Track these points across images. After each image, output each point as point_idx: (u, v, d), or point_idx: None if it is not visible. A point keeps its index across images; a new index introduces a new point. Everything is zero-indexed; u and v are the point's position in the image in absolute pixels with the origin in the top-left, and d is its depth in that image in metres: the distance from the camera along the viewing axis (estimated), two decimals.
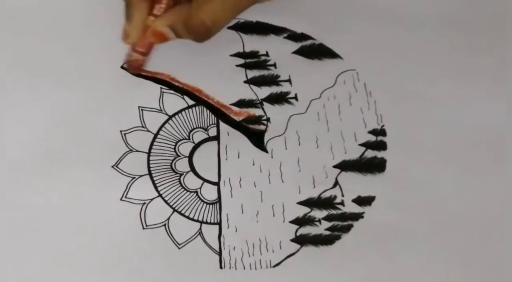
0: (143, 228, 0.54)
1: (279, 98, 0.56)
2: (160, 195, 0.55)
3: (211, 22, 0.49)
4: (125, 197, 0.54)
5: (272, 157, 0.55)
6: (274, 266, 0.53)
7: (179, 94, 0.57)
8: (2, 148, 0.55)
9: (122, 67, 0.57)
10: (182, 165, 0.55)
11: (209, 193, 0.55)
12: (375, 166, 0.55)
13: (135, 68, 0.54)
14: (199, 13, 0.49)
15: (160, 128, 0.56)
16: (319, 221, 0.54)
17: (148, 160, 0.55)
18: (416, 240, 0.54)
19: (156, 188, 0.55)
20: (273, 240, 0.54)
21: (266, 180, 0.55)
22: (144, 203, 0.54)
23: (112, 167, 0.55)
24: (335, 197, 0.55)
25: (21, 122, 0.55)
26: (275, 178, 0.55)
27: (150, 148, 0.56)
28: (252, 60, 0.57)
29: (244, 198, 0.55)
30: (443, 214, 0.54)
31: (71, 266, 0.53)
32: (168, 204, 0.54)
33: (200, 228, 0.54)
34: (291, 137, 0.56)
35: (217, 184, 0.55)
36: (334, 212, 0.54)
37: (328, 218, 0.54)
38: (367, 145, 0.56)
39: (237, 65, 0.57)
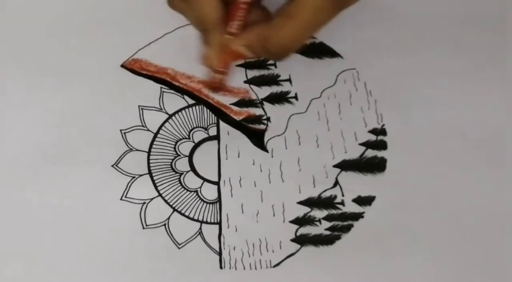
0: (143, 228, 0.54)
1: (279, 98, 0.56)
2: (160, 195, 0.55)
3: (290, 42, 0.47)
4: (125, 197, 0.54)
5: (272, 157, 0.55)
6: (274, 266, 0.53)
7: (179, 94, 0.56)
8: (2, 147, 0.55)
9: (122, 66, 0.57)
10: (182, 165, 0.55)
11: (209, 192, 0.55)
12: (375, 166, 0.55)
13: (218, 89, 0.54)
14: (279, 35, 0.47)
15: (160, 128, 0.56)
16: (319, 221, 0.54)
17: (148, 159, 0.55)
18: (416, 239, 0.54)
19: (156, 187, 0.55)
20: (273, 240, 0.54)
21: (266, 179, 0.55)
22: (144, 203, 0.54)
23: (112, 166, 0.55)
24: (335, 197, 0.55)
25: (21, 122, 0.55)
26: (275, 177, 0.55)
27: (150, 147, 0.56)
28: (252, 60, 0.57)
29: (244, 197, 0.55)
30: (443, 213, 0.54)
31: (71, 265, 0.53)
32: (168, 203, 0.54)
33: (200, 228, 0.54)
34: (291, 137, 0.56)
35: (217, 183, 0.55)
36: (334, 211, 0.54)
37: (328, 218, 0.54)
38: (368, 145, 0.56)
39: (237, 65, 0.56)
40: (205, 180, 0.55)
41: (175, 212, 0.54)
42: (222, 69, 0.51)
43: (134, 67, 0.57)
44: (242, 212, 0.54)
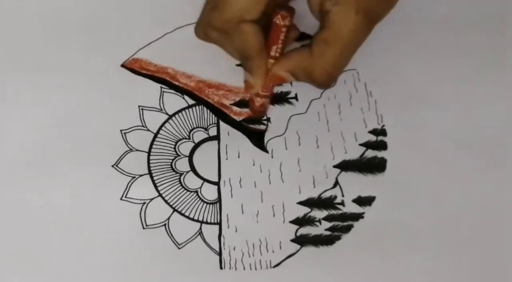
0: (143, 228, 0.54)
1: (280, 98, 0.56)
2: (160, 195, 0.55)
3: (334, 70, 0.48)
4: (125, 197, 0.54)
5: (272, 157, 0.55)
6: (274, 267, 0.53)
7: (179, 94, 0.56)
8: (2, 147, 0.55)
9: (122, 66, 0.57)
10: (182, 165, 0.55)
11: (209, 192, 0.55)
12: (376, 166, 0.55)
13: (261, 112, 0.54)
14: (322, 63, 0.48)
15: (160, 128, 0.56)
16: (319, 221, 0.54)
17: (148, 160, 0.55)
18: (416, 240, 0.54)
19: (156, 187, 0.55)
20: (273, 240, 0.54)
21: (266, 180, 0.55)
22: (144, 203, 0.54)
23: (112, 166, 0.55)
24: (335, 197, 0.55)
25: (21, 122, 0.55)
26: (275, 178, 0.55)
27: (150, 147, 0.56)
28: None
29: (244, 198, 0.55)
30: (443, 214, 0.54)
31: (71, 265, 0.53)
32: (168, 203, 0.54)
33: (200, 228, 0.54)
34: (291, 137, 0.56)
35: (217, 183, 0.55)
36: (334, 212, 0.54)
37: (328, 218, 0.54)
38: (368, 145, 0.56)
39: (237, 65, 0.56)
40: (205, 180, 0.55)
41: (175, 212, 0.54)
42: (266, 93, 0.52)
43: (134, 67, 0.57)
44: (242, 212, 0.54)
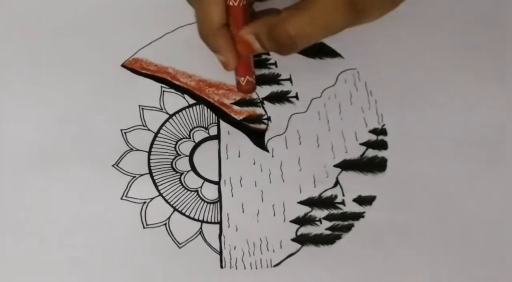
0: (144, 227, 0.54)
1: (280, 97, 0.56)
2: (160, 194, 0.55)
3: (295, 33, 0.46)
4: (126, 196, 0.54)
5: (272, 156, 0.55)
6: (274, 266, 0.53)
7: (179, 93, 0.56)
8: (2, 147, 0.55)
9: (122, 65, 0.57)
10: (182, 164, 0.55)
11: (210, 192, 0.55)
12: (376, 165, 0.55)
13: (249, 90, 0.54)
14: (285, 23, 0.46)
15: (160, 127, 0.56)
16: (319, 220, 0.54)
17: (149, 159, 0.55)
18: (417, 239, 0.53)
19: (156, 187, 0.55)
20: (273, 239, 0.54)
21: (266, 179, 0.55)
22: (145, 202, 0.54)
23: (113, 166, 0.55)
24: (335, 197, 0.55)
25: (21, 122, 0.55)
26: (275, 177, 0.55)
27: (151, 147, 0.56)
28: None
29: (244, 197, 0.54)
30: (444, 213, 0.54)
31: (71, 265, 0.53)
32: (168, 203, 0.54)
33: (201, 228, 0.54)
34: (292, 136, 0.56)
35: (217, 183, 0.55)
36: (334, 211, 0.54)
37: (328, 218, 0.54)
38: (368, 144, 0.56)
39: None
40: (205, 179, 0.55)
41: (175, 212, 0.54)
42: (244, 71, 0.52)
43: (134, 67, 0.57)
44: (243, 212, 0.54)
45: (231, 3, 0.49)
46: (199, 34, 0.50)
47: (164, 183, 0.55)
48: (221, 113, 0.56)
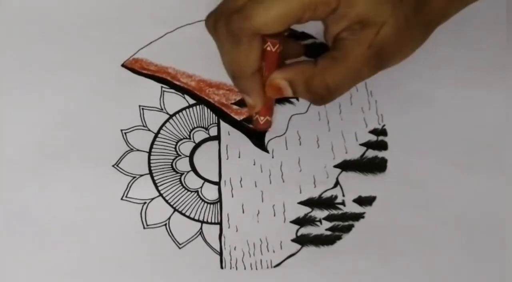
0: (144, 228, 0.54)
1: (280, 98, 0.56)
2: (160, 195, 0.55)
3: (334, 86, 0.47)
4: (126, 197, 0.54)
5: (273, 157, 0.55)
6: (274, 266, 0.53)
7: (180, 93, 0.56)
8: (2, 147, 0.55)
9: (122, 65, 0.57)
10: (182, 165, 0.55)
11: (210, 192, 0.55)
12: (376, 166, 0.55)
13: (267, 128, 0.54)
14: (325, 75, 0.47)
15: (160, 128, 0.56)
16: (320, 221, 0.54)
17: (149, 159, 0.55)
18: (417, 240, 0.53)
19: (156, 187, 0.55)
20: (273, 240, 0.54)
21: (266, 179, 0.55)
22: (145, 203, 0.54)
23: (113, 166, 0.55)
24: (336, 197, 0.55)
25: (21, 122, 0.55)
26: (275, 177, 0.55)
27: (151, 147, 0.56)
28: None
29: (244, 197, 0.54)
30: (444, 214, 0.54)
31: (71, 265, 0.53)
32: (168, 203, 0.54)
33: (201, 228, 0.54)
34: (292, 137, 0.56)
35: (217, 183, 0.55)
36: (335, 212, 0.54)
37: (329, 218, 0.54)
38: (368, 145, 0.56)
39: None
40: (205, 180, 0.55)
41: (175, 212, 0.54)
42: (267, 112, 0.52)
43: (134, 67, 0.57)
44: (243, 212, 0.54)
45: (268, 49, 0.48)
46: (228, 73, 0.50)
47: (164, 183, 0.55)
48: (221, 114, 0.56)
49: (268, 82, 0.49)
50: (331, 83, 0.47)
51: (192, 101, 0.56)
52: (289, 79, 0.48)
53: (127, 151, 0.55)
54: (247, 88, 0.50)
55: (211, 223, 0.54)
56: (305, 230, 0.54)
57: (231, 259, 0.53)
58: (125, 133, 0.56)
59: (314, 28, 0.57)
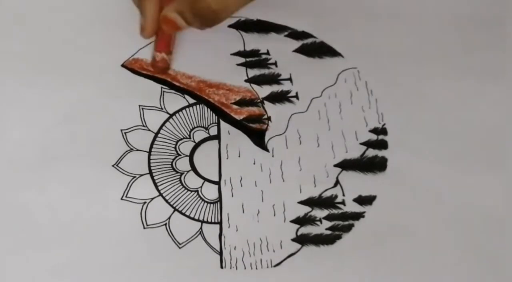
0: (144, 228, 0.54)
1: (280, 97, 0.56)
2: (160, 194, 0.55)
3: (216, 5, 0.49)
4: (126, 196, 0.54)
5: (273, 156, 0.55)
6: (275, 266, 0.53)
7: (179, 93, 0.56)
8: (3, 147, 0.55)
9: (122, 65, 0.57)
10: (182, 164, 0.55)
11: (210, 192, 0.55)
12: (376, 165, 0.55)
13: (163, 69, 0.55)
14: None
15: (160, 127, 0.56)
16: (320, 220, 0.54)
17: (149, 159, 0.55)
18: (417, 239, 0.53)
19: (156, 187, 0.55)
20: (273, 239, 0.54)
21: (267, 179, 0.55)
22: (145, 202, 0.54)
23: (113, 166, 0.55)
24: (336, 196, 0.54)
25: (22, 122, 0.55)
26: (276, 177, 0.55)
27: (151, 147, 0.56)
28: (253, 59, 0.56)
29: (244, 197, 0.54)
30: (444, 213, 0.54)
31: (71, 265, 0.53)
32: (168, 203, 0.54)
33: (201, 228, 0.54)
34: (292, 136, 0.56)
35: (217, 183, 0.55)
36: (335, 211, 0.54)
37: (329, 218, 0.54)
38: (368, 144, 0.55)
39: (238, 64, 0.56)
40: (205, 179, 0.55)
41: (175, 212, 0.54)
42: (163, 47, 0.54)
43: (134, 67, 0.57)
44: (243, 212, 0.54)
45: None
46: None
47: (164, 183, 0.55)
48: (221, 113, 0.56)
49: (161, 18, 0.52)
50: (213, 3, 0.49)
51: (192, 101, 0.56)
52: (178, 10, 0.51)
53: (127, 151, 0.55)
54: (141, 8, 0.53)
55: (211, 223, 0.54)
56: (305, 230, 0.54)
57: (231, 259, 0.53)
58: (125, 133, 0.56)
59: (314, 27, 0.58)
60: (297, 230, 0.54)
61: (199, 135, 0.56)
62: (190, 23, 0.52)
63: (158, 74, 0.56)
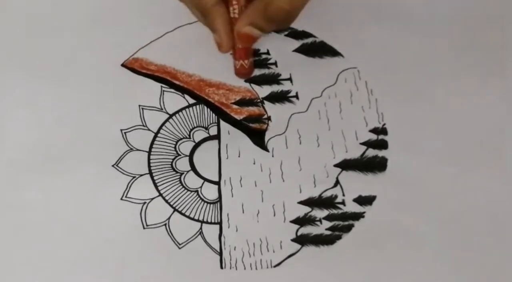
0: (144, 228, 0.54)
1: (280, 97, 0.56)
2: (160, 194, 0.55)
3: (288, 5, 0.49)
4: (126, 197, 0.54)
5: (272, 156, 0.55)
6: (274, 266, 0.53)
7: (179, 93, 0.56)
8: (2, 147, 0.55)
9: (122, 65, 0.57)
10: (182, 164, 0.55)
11: (210, 192, 0.55)
12: (376, 165, 0.55)
13: (245, 75, 0.55)
14: (275, 1, 0.49)
15: (160, 127, 0.56)
16: (319, 220, 0.54)
17: (149, 159, 0.55)
18: (417, 239, 0.53)
19: (156, 187, 0.55)
20: (273, 240, 0.54)
21: (266, 179, 0.55)
22: (145, 203, 0.54)
23: (113, 166, 0.55)
24: (336, 196, 0.54)
25: (21, 122, 0.55)
26: (275, 177, 0.55)
27: (151, 147, 0.56)
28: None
29: (244, 197, 0.54)
30: (444, 213, 0.54)
31: (71, 265, 0.53)
32: (168, 203, 0.54)
33: (201, 228, 0.54)
34: (292, 136, 0.56)
35: (217, 183, 0.55)
36: (335, 211, 0.54)
37: (329, 218, 0.54)
38: (368, 144, 0.55)
39: None
40: (205, 179, 0.55)
41: (175, 212, 0.54)
42: (242, 57, 0.53)
43: (134, 66, 0.57)
44: (243, 212, 0.54)
45: None
46: (197, 13, 0.52)
47: (164, 183, 0.55)
48: (221, 113, 0.56)
49: (236, 35, 0.51)
50: (284, 4, 0.49)
51: (192, 101, 0.56)
52: (251, 22, 0.50)
53: (127, 151, 0.55)
54: (212, 24, 0.51)
55: (211, 223, 0.54)
56: (305, 230, 0.54)
57: (231, 259, 0.53)
58: (125, 133, 0.56)
59: (314, 27, 0.57)
60: (297, 230, 0.54)
61: (199, 135, 0.56)
62: (266, 30, 0.51)
63: (243, 78, 0.56)
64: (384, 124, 0.56)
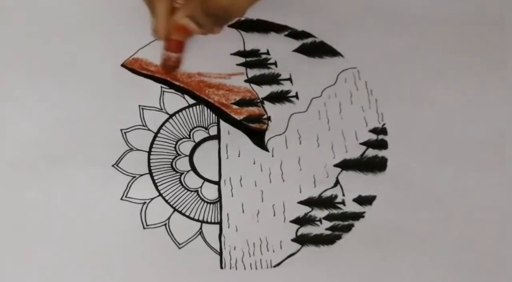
0: (144, 228, 0.54)
1: (280, 97, 0.56)
2: (160, 194, 0.55)
3: (227, 2, 0.50)
4: (126, 196, 0.54)
5: (272, 156, 0.55)
6: (274, 266, 0.53)
7: (179, 93, 0.56)
8: (2, 147, 0.55)
9: (122, 65, 0.57)
10: (182, 164, 0.55)
11: (210, 192, 0.55)
12: (376, 165, 0.55)
13: (168, 68, 0.55)
14: None
15: (160, 127, 0.56)
16: (319, 220, 0.54)
17: (149, 159, 0.55)
18: (417, 239, 0.53)
19: (156, 187, 0.55)
20: (273, 239, 0.54)
21: (266, 179, 0.55)
22: (145, 203, 0.54)
23: (113, 166, 0.55)
24: (336, 196, 0.54)
25: (22, 122, 0.55)
26: (275, 177, 0.55)
27: (151, 147, 0.56)
28: (252, 59, 0.56)
29: (244, 197, 0.54)
30: (444, 213, 0.54)
31: (71, 265, 0.53)
32: (168, 203, 0.54)
33: (201, 228, 0.54)
34: (292, 136, 0.56)
35: (217, 183, 0.55)
36: (335, 211, 0.54)
37: (328, 218, 0.54)
38: (368, 144, 0.55)
39: (238, 64, 0.56)
40: (205, 179, 0.55)
41: (175, 212, 0.54)
42: (172, 48, 0.54)
43: (134, 67, 0.57)
44: (243, 212, 0.54)
45: None
46: None
47: (164, 183, 0.55)
48: (221, 113, 0.56)
49: (172, 25, 0.52)
50: (224, 1, 0.50)
51: (191, 101, 0.56)
52: (189, 14, 0.51)
53: (127, 151, 0.55)
54: (153, 11, 0.52)
55: (211, 223, 0.54)
56: (305, 230, 0.54)
57: (231, 259, 0.53)
58: (125, 133, 0.56)
59: (314, 27, 0.57)
60: (297, 230, 0.54)
61: (199, 135, 0.56)
62: (202, 26, 0.52)
63: (167, 73, 0.56)
64: (384, 124, 0.56)
